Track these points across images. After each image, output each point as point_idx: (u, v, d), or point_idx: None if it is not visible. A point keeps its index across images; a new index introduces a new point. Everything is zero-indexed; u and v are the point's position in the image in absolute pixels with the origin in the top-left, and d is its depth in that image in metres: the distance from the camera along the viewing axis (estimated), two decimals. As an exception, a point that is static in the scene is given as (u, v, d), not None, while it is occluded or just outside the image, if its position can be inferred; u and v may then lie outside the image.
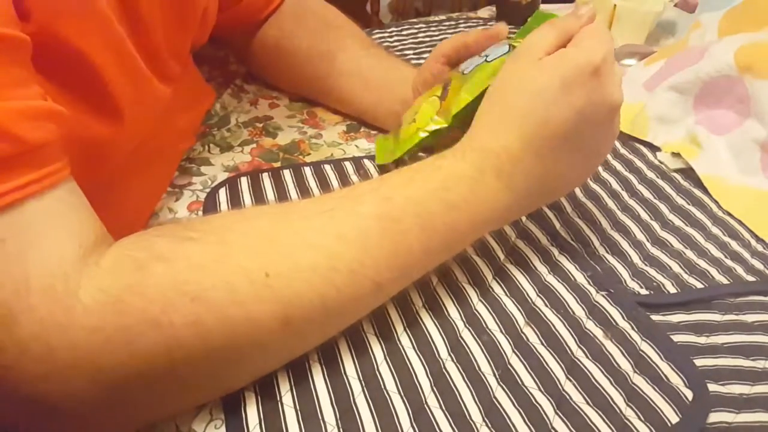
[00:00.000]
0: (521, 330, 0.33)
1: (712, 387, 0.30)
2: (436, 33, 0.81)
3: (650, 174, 0.49)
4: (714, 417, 0.28)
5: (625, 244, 0.41)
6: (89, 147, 0.27)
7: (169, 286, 0.24)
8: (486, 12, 0.90)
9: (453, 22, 0.85)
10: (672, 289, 0.36)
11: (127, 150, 0.36)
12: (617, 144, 0.54)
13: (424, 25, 0.84)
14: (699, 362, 0.31)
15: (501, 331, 0.33)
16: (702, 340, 0.33)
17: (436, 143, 0.41)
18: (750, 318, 0.35)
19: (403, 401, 0.29)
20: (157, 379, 0.24)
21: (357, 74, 0.53)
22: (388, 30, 0.81)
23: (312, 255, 0.27)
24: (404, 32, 0.81)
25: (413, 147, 0.42)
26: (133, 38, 0.33)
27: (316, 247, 0.27)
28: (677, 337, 0.33)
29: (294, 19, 0.56)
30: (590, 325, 0.33)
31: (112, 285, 0.24)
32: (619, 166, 0.50)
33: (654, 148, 0.53)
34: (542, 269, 0.37)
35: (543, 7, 0.86)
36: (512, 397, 0.29)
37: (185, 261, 0.25)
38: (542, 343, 0.32)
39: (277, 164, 0.49)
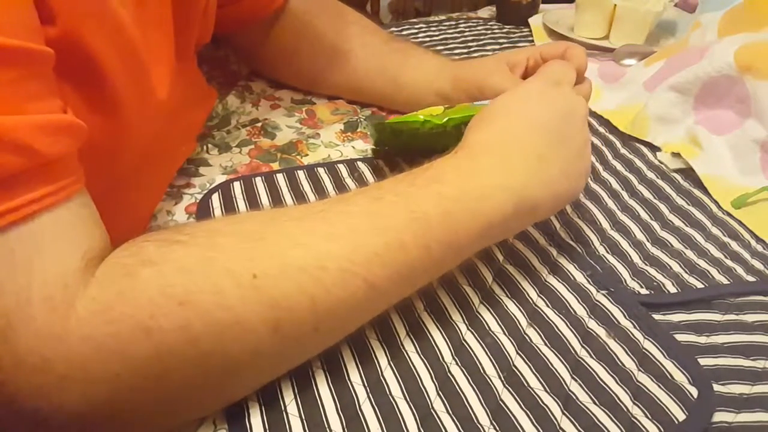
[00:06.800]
0: (524, 331, 0.33)
1: (713, 386, 0.30)
2: (436, 33, 0.81)
3: (650, 174, 0.50)
4: (715, 417, 0.29)
5: (625, 244, 0.41)
6: (97, 150, 0.27)
7: (157, 291, 0.24)
8: (486, 12, 0.90)
9: (453, 22, 0.85)
10: (672, 289, 0.36)
11: (133, 153, 0.36)
12: (617, 144, 0.54)
13: (424, 25, 0.84)
14: (700, 362, 0.31)
15: (504, 333, 0.33)
16: (702, 339, 0.33)
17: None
18: (750, 318, 0.35)
19: (410, 406, 0.28)
20: (150, 390, 0.24)
21: (382, 73, 0.55)
22: (388, 30, 0.81)
23: (300, 254, 0.26)
24: (404, 32, 0.81)
25: (406, 122, 0.43)
26: (145, 39, 0.33)
27: (304, 245, 0.27)
28: (678, 337, 0.33)
29: (309, 16, 0.57)
30: (593, 325, 0.33)
31: (102, 293, 0.23)
32: (619, 166, 0.50)
33: (654, 148, 0.53)
34: (542, 270, 0.38)
35: (543, 7, 0.86)
36: (518, 399, 0.29)
37: (172, 264, 0.25)
38: (546, 344, 0.32)
39: (275, 165, 0.49)
